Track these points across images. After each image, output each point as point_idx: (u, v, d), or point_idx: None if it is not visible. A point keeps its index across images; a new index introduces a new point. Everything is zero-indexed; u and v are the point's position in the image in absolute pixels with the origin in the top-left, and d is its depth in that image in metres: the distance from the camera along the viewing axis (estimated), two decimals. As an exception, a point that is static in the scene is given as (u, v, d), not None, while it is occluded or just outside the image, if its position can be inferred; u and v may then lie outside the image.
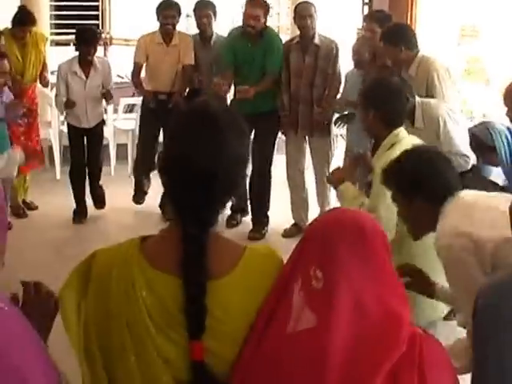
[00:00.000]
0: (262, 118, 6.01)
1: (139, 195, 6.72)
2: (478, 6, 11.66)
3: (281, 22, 10.67)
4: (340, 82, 6.10)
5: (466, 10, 11.85)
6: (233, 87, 6.32)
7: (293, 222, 6.45)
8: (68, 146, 6.86)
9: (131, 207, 6.77)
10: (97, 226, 6.60)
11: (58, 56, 8.02)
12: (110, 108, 7.57)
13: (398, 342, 1.51)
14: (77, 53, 6.40)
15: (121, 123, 7.91)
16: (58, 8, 9.29)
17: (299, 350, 1.54)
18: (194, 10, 6.48)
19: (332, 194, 5.98)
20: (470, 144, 4.37)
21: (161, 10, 6.33)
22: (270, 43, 6.09)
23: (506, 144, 4.41)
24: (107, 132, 7.31)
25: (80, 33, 6.43)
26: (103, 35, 8.72)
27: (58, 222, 6.60)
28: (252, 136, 5.91)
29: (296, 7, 6.12)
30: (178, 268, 1.62)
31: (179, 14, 6.43)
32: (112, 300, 1.65)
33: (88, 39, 6.30)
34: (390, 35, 5.15)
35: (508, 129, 4.46)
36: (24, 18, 6.65)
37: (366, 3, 12.15)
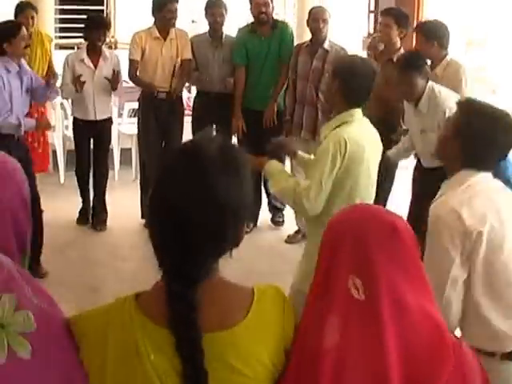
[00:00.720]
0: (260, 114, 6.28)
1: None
2: (484, 15, 11.71)
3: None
4: None
5: (473, 20, 11.91)
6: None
7: (296, 228, 6.45)
8: (72, 151, 6.84)
9: (135, 212, 6.73)
10: (100, 231, 6.58)
11: (63, 59, 8.04)
12: (115, 112, 7.54)
13: (447, 354, 1.45)
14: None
15: (125, 128, 7.89)
16: (62, 12, 9.31)
17: (357, 373, 1.43)
18: (206, 9, 6.46)
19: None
20: None
21: (165, 4, 6.23)
22: (285, 33, 6.35)
23: None
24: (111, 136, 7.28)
25: (90, 18, 6.41)
26: (108, 39, 8.73)
27: (62, 224, 6.60)
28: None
29: (310, 11, 6.22)
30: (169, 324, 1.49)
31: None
32: (108, 372, 1.50)
33: (98, 24, 6.25)
34: (426, 28, 5.30)
35: None
36: (24, 5, 6.76)
37: (372, 11, 12.18)
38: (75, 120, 6.54)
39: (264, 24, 6.26)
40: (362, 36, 10.60)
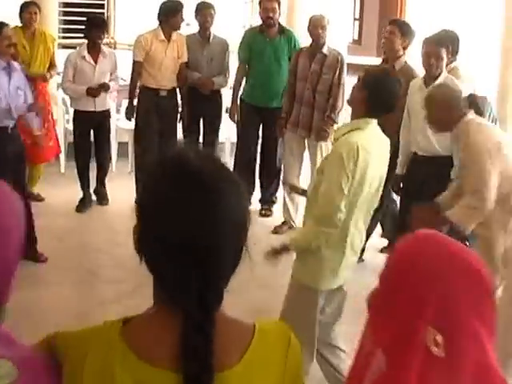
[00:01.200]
0: (271, 112, 6.77)
1: None
2: (462, 21, 12.16)
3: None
4: (344, 94, 6.47)
5: (451, 26, 12.33)
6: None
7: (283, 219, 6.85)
8: (72, 143, 7.36)
9: (131, 201, 7.15)
10: (98, 218, 7.02)
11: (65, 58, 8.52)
12: (113, 108, 8.02)
13: None
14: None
15: (123, 123, 8.35)
16: (65, 13, 9.76)
17: None
18: (197, 11, 7.05)
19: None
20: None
21: (179, 10, 6.78)
22: (294, 38, 6.97)
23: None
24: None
25: (90, 18, 6.95)
26: (108, 40, 9.23)
27: (62, 212, 6.99)
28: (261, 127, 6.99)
29: (311, 18, 6.65)
30: (176, 361, 1.30)
31: None
32: None
33: (98, 24, 6.82)
34: (439, 36, 5.64)
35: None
36: (29, 2, 7.13)
37: (357, 19, 12.66)
38: (76, 112, 7.08)
39: (271, 27, 6.82)
40: (348, 42, 11.07)
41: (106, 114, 7.11)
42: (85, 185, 7.16)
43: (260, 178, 7.12)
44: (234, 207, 1.35)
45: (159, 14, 6.83)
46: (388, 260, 1.41)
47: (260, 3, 6.88)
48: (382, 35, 6.32)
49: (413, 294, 1.32)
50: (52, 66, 7.41)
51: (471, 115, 4.19)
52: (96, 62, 6.87)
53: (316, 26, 6.51)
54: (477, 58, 11.42)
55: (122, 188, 7.40)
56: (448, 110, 4.19)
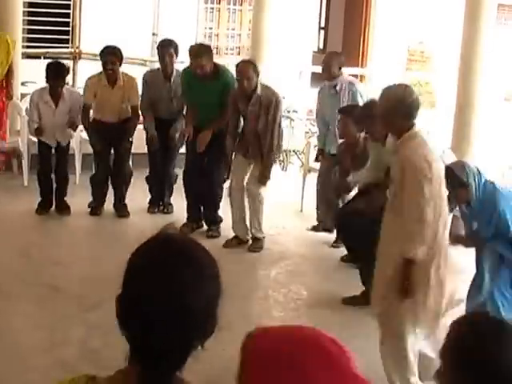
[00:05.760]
0: (219, 138, 6.71)
1: (97, 206, 7.33)
2: (427, 31, 12.30)
3: (241, 42, 11.19)
4: (280, 135, 6.65)
5: (415, 36, 12.50)
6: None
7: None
8: (36, 154, 7.38)
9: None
10: (61, 231, 7.00)
11: (30, 68, 8.51)
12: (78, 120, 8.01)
13: None
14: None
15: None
16: (30, 22, 9.69)
17: None
18: (158, 48, 7.15)
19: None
20: (445, 177, 4.32)
21: (102, 56, 7.02)
22: (227, 83, 6.71)
23: (476, 183, 4.64)
24: (74, 142, 7.74)
25: (51, 68, 7.03)
26: (72, 49, 9.21)
27: (24, 226, 6.93)
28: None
29: (237, 65, 6.61)
30: None
31: (120, 58, 7.07)
32: None
33: (57, 73, 6.97)
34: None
35: (478, 170, 4.72)
36: None
37: (322, 28, 12.80)
38: (40, 142, 7.27)
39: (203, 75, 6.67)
40: (312, 51, 11.16)
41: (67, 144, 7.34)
42: (46, 193, 7.23)
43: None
44: (208, 278, 1.48)
45: None
46: None
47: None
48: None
49: (270, 375, 1.47)
50: (10, 72, 7.46)
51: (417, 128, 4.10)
52: (56, 106, 7.10)
53: (240, 76, 6.44)
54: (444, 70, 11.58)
55: (85, 201, 7.39)
56: (395, 110, 4.08)
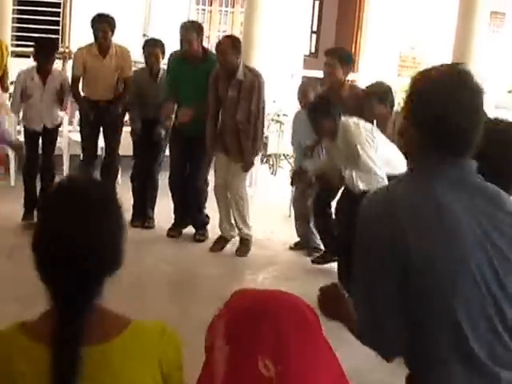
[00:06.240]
0: (201, 140, 6.46)
1: None
2: (419, 37, 12.31)
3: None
4: (263, 121, 6.41)
5: (407, 41, 12.51)
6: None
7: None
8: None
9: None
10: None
11: (19, 67, 8.38)
12: (66, 120, 7.93)
13: None
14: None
15: (75, 135, 8.24)
16: (20, 21, 9.62)
17: None
18: (143, 48, 6.97)
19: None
20: None
21: (94, 23, 6.82)
22: (214, 66, 6.37)
23: None
24: (62, 143, 7.65)
25: (39, 43, 6.81)
26: (62, 49, 9.12)
27: (10, 227, 6.82)
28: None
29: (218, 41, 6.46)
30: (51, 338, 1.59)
31: (113, 27, 6.86)
32: None
33: (47, 49, 6.70)
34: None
35: None
36: None
37: (314, 32, 12.75)
38: (25, 128, 7.04)
39: (192, 56, 6.46)
40: (303, 55, 11.14)
41: (55, 130, 7.05)
42: (30, 195, 7.01)
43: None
44: (104, 219, 1.64)
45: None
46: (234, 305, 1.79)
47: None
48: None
49: (250, 333, 1.68)
50: (5, 73, 7.31)
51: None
52: (44, 84, 6.79)
53: (218, 52, 6.16)
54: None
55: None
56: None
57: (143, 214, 7.10)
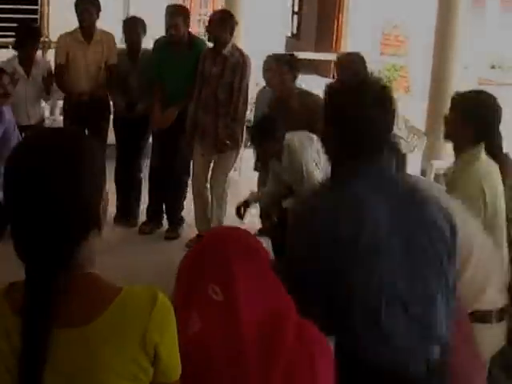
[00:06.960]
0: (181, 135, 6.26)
1: None
2: (401, 14, 12.25)
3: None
4: (245, 103, 6.16)
5: (390, 19, 12.45)
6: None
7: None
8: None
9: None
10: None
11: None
12: (47, 109, 7.81)
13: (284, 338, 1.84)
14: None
15: (57, 125, 8.16)
16: (-4, 11, 9.49)
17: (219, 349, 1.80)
18: (123, 27, 6.56)
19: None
20: None
21: (78, 5, 6.39)
22: (201, 52, 6.19)
23: None
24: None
25: (22, 29, 6.44)
26: (41, 39, 8.98)
27: None
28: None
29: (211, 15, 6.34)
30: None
31: (97, 8, 6.46)
32: None
33: (31, 35, 6.37)
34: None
35: None
36: None
37: (296, 12, 12.67)
38: None
39: (176, 42, 6.22)
40: (285, 36, 11.08)
41: (39, 124, 6.71)
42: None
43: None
44: (84, 173, 1.47)
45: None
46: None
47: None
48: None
49: (197, 264, 1.92)
50: None
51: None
52: (28, 76, 6.41)
53: (209, 23, 6.10)
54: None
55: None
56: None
57: (128, 211, 6.86)
